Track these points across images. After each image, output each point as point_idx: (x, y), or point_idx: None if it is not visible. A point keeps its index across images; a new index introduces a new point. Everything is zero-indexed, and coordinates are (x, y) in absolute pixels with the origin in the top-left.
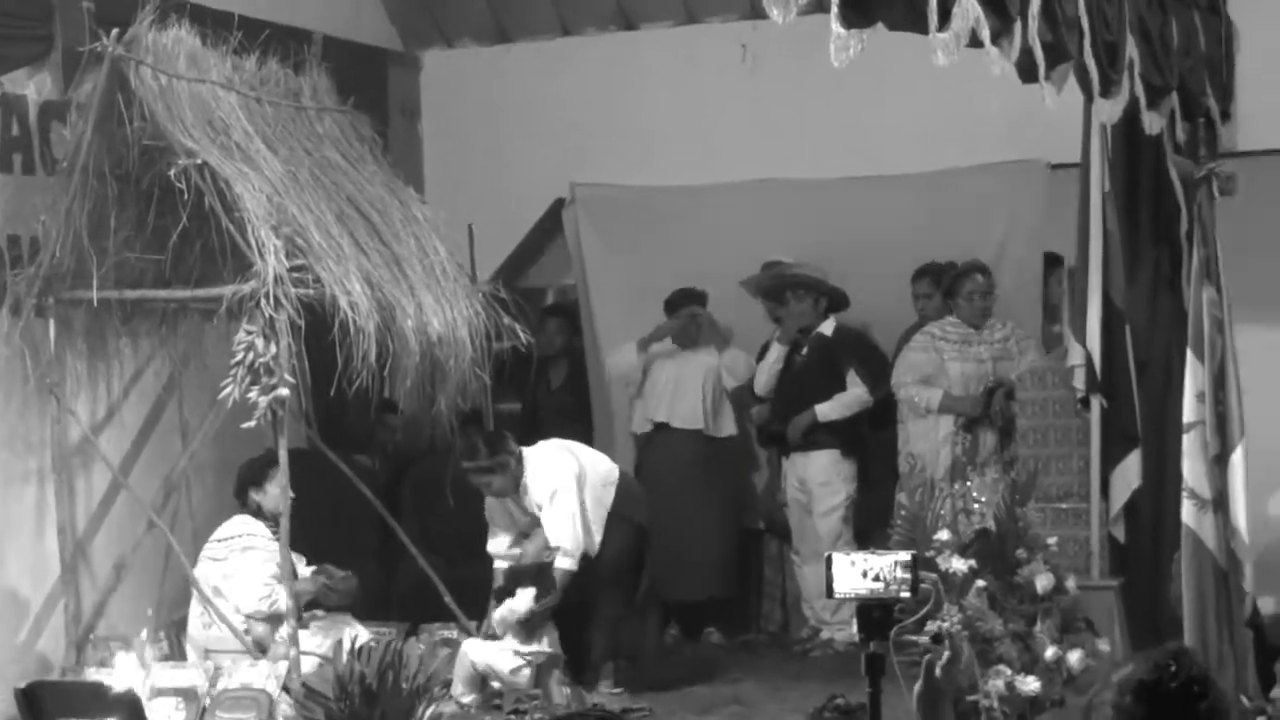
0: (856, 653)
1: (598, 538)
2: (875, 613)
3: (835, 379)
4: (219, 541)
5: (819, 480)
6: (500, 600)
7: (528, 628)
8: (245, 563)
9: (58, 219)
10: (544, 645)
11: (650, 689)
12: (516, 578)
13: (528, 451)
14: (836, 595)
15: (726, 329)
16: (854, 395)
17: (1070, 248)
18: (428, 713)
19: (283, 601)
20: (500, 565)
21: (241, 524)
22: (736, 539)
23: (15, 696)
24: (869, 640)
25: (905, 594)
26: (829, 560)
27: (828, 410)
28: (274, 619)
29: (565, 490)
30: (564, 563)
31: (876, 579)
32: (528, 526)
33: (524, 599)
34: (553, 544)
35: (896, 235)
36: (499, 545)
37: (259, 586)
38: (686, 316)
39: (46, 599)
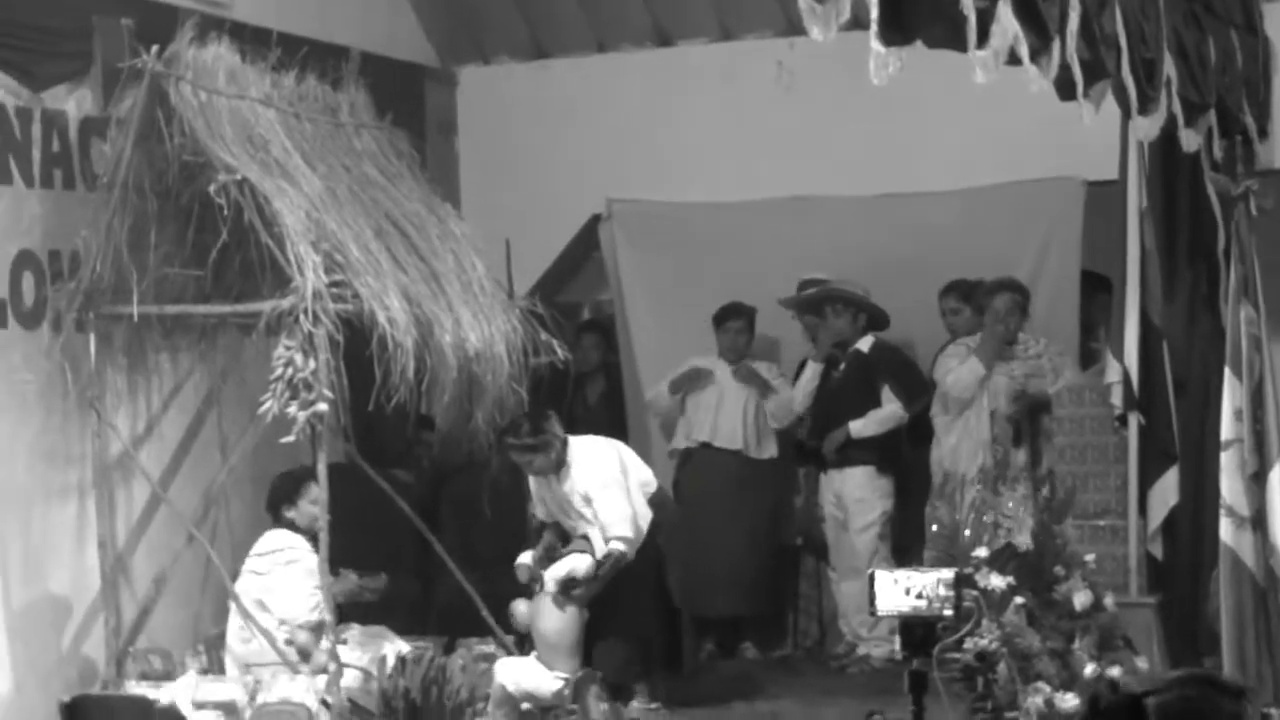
0: (894, 669)
1: (645, 528)
2: (918, 630)
3: (871, 395)
4: (261, 555)
5: (855, 496)
6: (546, 556)
7: (573, 594)
8: (289, 575)
9: (98, 234)
10: (577, 663)
11: (687, 705)
12: (565, 540)
13: (574, 440)
14: (879, 612)
15: (771, 367)
16: (889, 411)
17: (1108, 265)
18: None
19: (326, 610)
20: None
21: (282, 538)
22: (773, 555)
23: (60, 710)
24: (912, 657)
25: (948, 611)
26: (871, 577)
27: (862, 427)
28: (318, 627)
29: (616, 480)
30: (618, 545)
31: (919, 596)
32: (561, 513)
33: (584, 561)
34: (610, 532)
35: (933, 252)
36: (542, 512)
37: (306, 596)
38: (734, 331)
39: (87, 612)
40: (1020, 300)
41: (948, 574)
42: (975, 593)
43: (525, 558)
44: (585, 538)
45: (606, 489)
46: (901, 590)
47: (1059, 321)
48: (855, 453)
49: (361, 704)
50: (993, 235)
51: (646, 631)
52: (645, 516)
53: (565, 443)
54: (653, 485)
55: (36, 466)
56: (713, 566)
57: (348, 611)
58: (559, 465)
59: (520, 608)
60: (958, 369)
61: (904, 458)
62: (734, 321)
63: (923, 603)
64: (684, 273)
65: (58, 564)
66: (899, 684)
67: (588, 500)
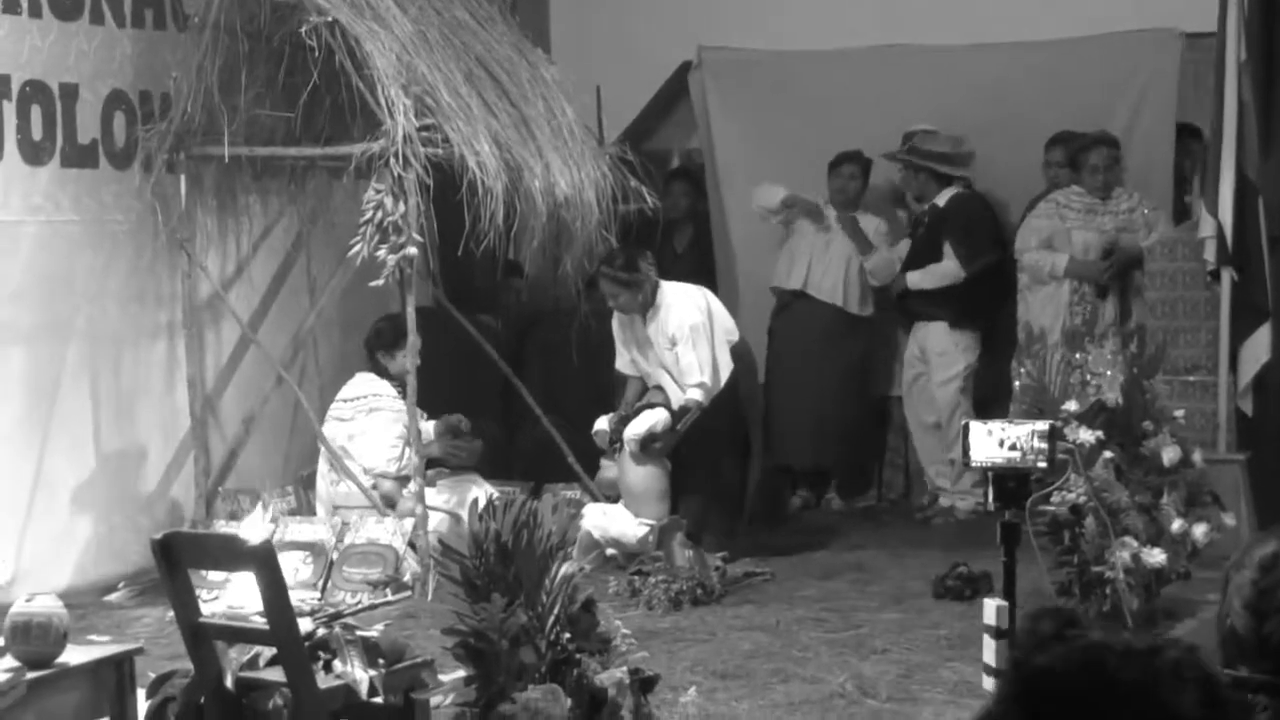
0: (977, 521)
1: (724, 378)
2: (1010, 482)
3: (938, 250)
4: (345, 401)
5: (937, 350)
6: (623, 420)
7: (652, 449)
8: (372, 424)
9: (189, 75)
10: (664, 510)
11: (772, 554)
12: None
13: (666, 284)
14: (973, 464)
15: (880, 224)
16: (944, 268)
17: (1204, 118)
18: (561, 572)
19: (411, 461)
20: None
21: (367, 383)
22: (862, 408)
23: (151, 547)
24: (1004, 509)
25: (1042, 464)
26: (966, 428)
27: (919, 279)
28: (402, 477)
29: (702, 326)
30: (695, 394)
31: (1013, 448)
32: (642, 356)
33: (661, 415)
34: (691, 380)
35: (1025, 104)
36: (623, 363)
37: (386, 448)
38: (846, 176)
39: (176, 452)
40: (1116, 154)
41: (1042, 426)
42: (1071, 445)
43: (602, 423)
44: (659, 388)
45: (694, 332)
46: (995, 442)
47: (1153, 176)
48: (931, 307)
49: (452, 545)
50: (1086, 87)
51: (728, 483)
52: (726, 365)
53: (656, 286)
54: (735, 335)
55: (127, 307)
56: (801, 417)
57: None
58: (645, 307)
59: (608, 474)
60: (1036, 258)
61: (985, 313)
62: (847, 166)
63: (1016, 454)
64: (774, 122)
65: (148, 404)
66: (983, 536)
67: (672, 343)
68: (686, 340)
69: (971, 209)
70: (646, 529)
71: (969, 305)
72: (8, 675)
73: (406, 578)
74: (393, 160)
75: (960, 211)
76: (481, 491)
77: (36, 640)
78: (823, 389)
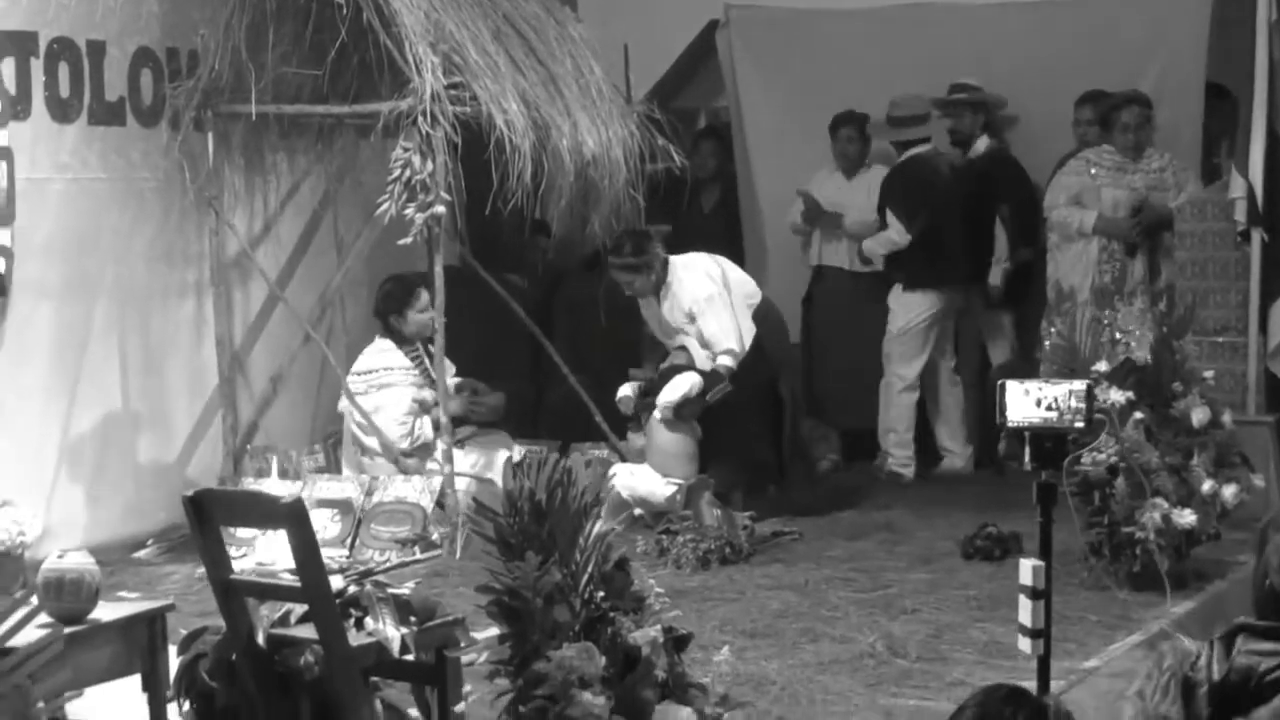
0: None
1: (748, 341)
2: (1047, 442)
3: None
4: (358, 375)
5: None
6: (646, 390)
7: (682, 414)
8: (384, 400)
9: (216, 32)
10: (693, 470)
11: (799, 513)
12: (675, 370)
13: (675, 259)
14: (1010, 423)
15: None
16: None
17: (1234, 78)
18: (594, 530)
19: (427, 431)
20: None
21: (379, 356)
22: None
23: (183, 504)
24: (1040, 469)
25: (1079, 424)
26: (1002, 387)
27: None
28: (423, 449)
29: (718, 296)
30: (726, 360)
31: (1050, 408)
32: (665, 335)
33: (691, 379)
34: (720, 347)
35: (1055, 62)
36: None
37: (398, 425)
38: (844, 139)
39: (204, 410)
40: (1147, 113)
41: (1079, 385)
42: (1104, 406)
43: (627, 389)
44: (683, 348)
45: (710, 303)
46: (1032, 401)
47: (1181, 135)
48: (890, 270)
49: (486, 503)
50: (1116, 45)
51: (758, 444)
52: (749, 330)
53: (666, 263)
54: (757, 297)
55: (155, 265)
56: (843, 380)
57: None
58: (658, 286)
59: (635, 443)
60: (1064, 215)
61: (934, 277)
62: (845, 129)
63: (1053, 414)
64: (802, 80)
65: (175, 362)
66: (1012, 496)
67: (691, 318)
68: (704, 312)
69: (911, 173)
70: (674, 488)
71: (913, 269)
72: (46, 631)
73: (435, 536)
74: (420, 118)
75: (899, 176)
76: (510, 452)
77: (69, 597)
78: (863, 352)
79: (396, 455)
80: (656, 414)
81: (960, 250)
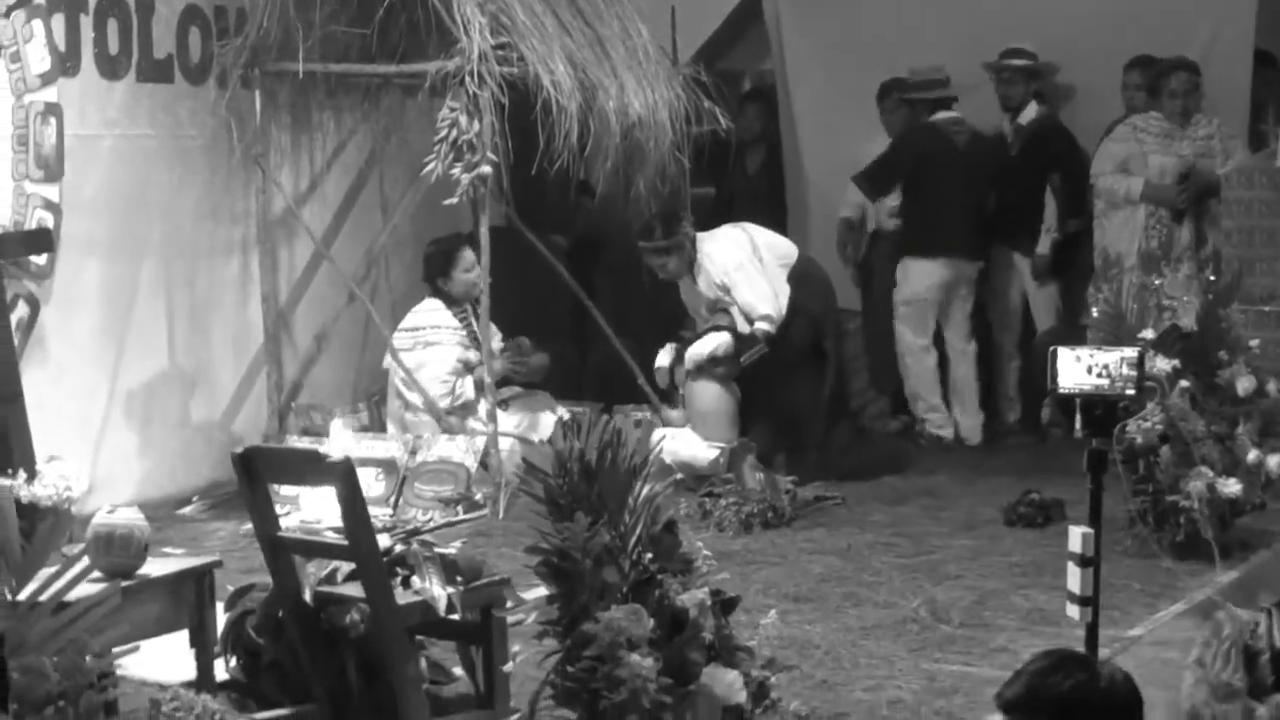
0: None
1: (784, 304)
2: (1098, 409)
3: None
4: (404, 332)
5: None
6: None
7: (714, 373)
8: (429, 357)
9: None
10: (734, 433)
11: (842, 478)
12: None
13: (701, 235)
14: (1060, 390)
15: None
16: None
17: None
18: (643, 492)
19: (469, 391)
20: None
21: (427, 314)
22: None
23: (232, 460)
24: (1091, 436)
25: (1130, 391)
26: (1054, 354)
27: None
28: (463, 408)
29: (747, 262)
30: (763, 325)
31: (1101, 375)
32: (710, 310)
33: (723, 338)
34: (755, 313)
35: (1104, 28)
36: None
37: (441, 383)
38: (891, 107)
39: (249, 367)
40: (1195, 80)
41: (1131, 353)
42: (1152, 374)
43: (664, 358)
44: (725, 311)
45: (740, 271)
46: (1084, 368)
47: (1229, 102)
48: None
49: (537, 464)
50: (1164, 11)
51: (799, 406)
52: (784, 293)
53: (694, 241)
54: (791, 258)
55: (202, 222)
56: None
57: (508, 376)
58: (690, 264)
59: (674, 415)
60: (1111, 181)
61: (924, 242)
62: (888, 100)
63: (1105, 381)
64: (848, 43)
65: (221, 319)
66: (1055, 463)
67: (725, 290)
68: (735, 281)
69: (907, 141)
70: (717, 451)
71: (914, 237)
72: (101, 587)
73: (478, 496)
74: (467, 78)
75: (897, 140)
76: (553, 413)
77: (119, 551)
78: None
79: (439, 413)
80: (687, 365)
81: (965, 221)
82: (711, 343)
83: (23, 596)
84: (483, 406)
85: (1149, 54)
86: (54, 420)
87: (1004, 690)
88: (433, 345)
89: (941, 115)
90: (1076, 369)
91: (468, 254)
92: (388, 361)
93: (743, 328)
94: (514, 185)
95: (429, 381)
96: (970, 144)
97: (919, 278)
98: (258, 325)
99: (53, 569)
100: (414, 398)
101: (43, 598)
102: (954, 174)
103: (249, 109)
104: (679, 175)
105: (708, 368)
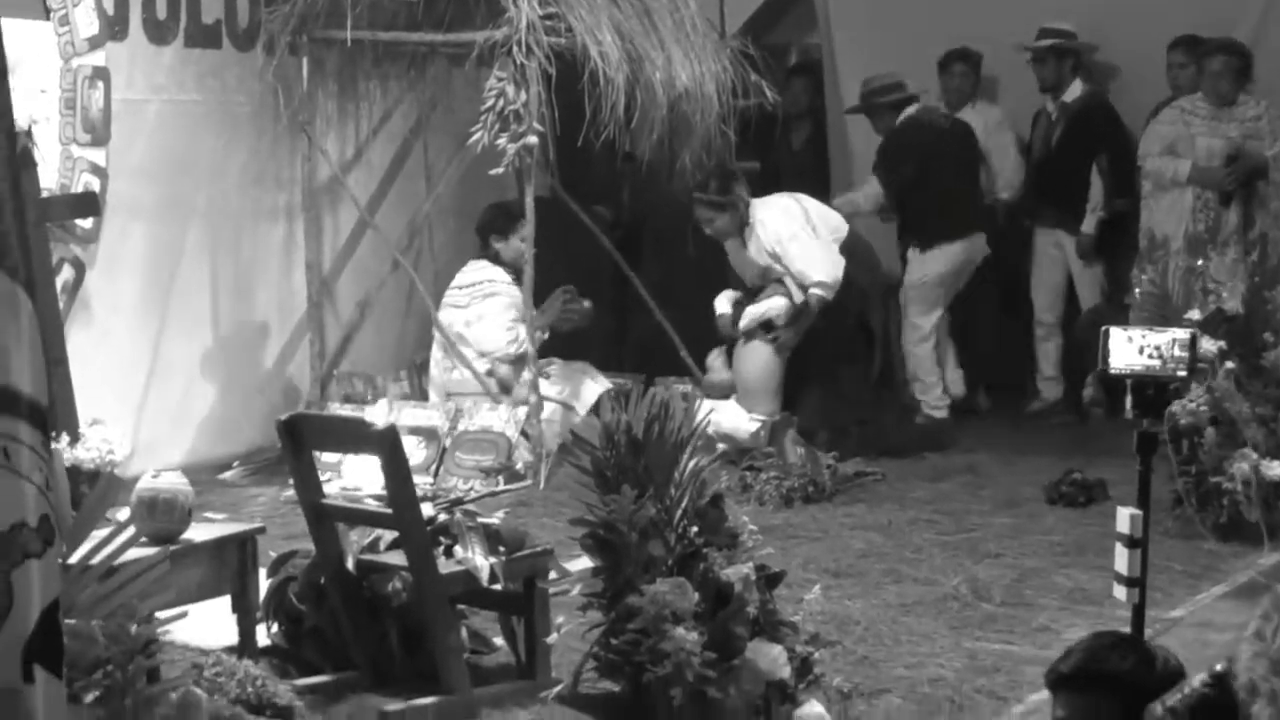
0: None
1: (839, 273)
2: (1149, 390)
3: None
4: (461, 288)
5: None
6: (742, 302)
7: (770, 339)
8: (489, 308)
9: None
10: (776, 406)
11: (882, 454)
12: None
13: (756, 201)
14: (1112, 370)
15: None
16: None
17: None
18: (689, 466)
19: (527, 343)
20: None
21: (482, 270)
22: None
23: (277, 427)
24: (1142, 417)
25: (1182, 373)
26: (1105, 334)
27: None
28: (518, 360)
29: (800, 230)
30: (818, 291)
31: (1153, 356)
32: (759, 277)
33: (780, 302)
34: (809, 279)
35: (1150, 8)
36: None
37: (503, 330)
38: (958, 75)
39: (292, 333)
40: (1234, 63)
41: (1183, 334)
42: (1209, 354)
43: (724, 305)
44: (781, 281)
45: (795, 239)
46: (1135, 349)
47: (1277, 83)
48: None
49: (584, 436)
50: None
51: (843, 380)
52: (839, 263)
53: (749, 205)
54: (843, 230)
55: (247, 188)
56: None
57: (549, 346)
58: (741, 227)
59: (714, 377)
60: (1158, 164)
61: (925, 231)
62: (959, 65)
63: (1156, 362)
64: (893, 17)
65: (265, 285)
66: (1097, 443)
67: (777, 257)
68: (788, 250)
69: (899, 139)
70: (759, 424)
71: (918, 229)
72: (149, 552)
73: (519, 466)
74: (515, 48)
75: (892, 140)
76: (595, 383)
77: (163, 516)
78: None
79: (493, 364)
80: (743, 324)
81: (973, 201)
82: (770, 306)
83: (73, 560)
84: (525, 375)
85: (1194, 34)
86: (98, 384)
87: (1058, 664)
88: (493, 296)
89: (913, 108)
90: (1128, 349)
91: (526, 224)
92: (443, 315)
93: (796, 298)
94: (559, 156)
95: (491, 329)
96: (954, 127)
97: (926, 265)
98: (301, 292)
99: (102, 533)
100: (469, 353)
101: (93, 562)
102: (940, 159)
103: (296, 76)
104: (724, 148)
105: (759, 332)
